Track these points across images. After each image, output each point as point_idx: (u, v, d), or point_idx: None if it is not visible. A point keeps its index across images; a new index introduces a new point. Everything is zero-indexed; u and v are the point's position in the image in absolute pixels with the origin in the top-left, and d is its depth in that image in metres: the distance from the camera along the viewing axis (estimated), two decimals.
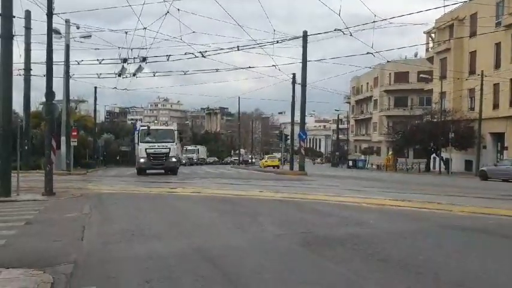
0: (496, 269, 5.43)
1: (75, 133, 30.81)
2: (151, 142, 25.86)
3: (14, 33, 13.99)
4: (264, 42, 21.58)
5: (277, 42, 21.18)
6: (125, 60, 21.49)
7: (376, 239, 7.01)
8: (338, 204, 12.04)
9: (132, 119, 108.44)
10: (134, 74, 23.79)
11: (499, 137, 35.64)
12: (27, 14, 25.29)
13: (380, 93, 63.21)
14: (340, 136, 74.14)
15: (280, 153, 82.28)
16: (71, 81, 30.56)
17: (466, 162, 38.77)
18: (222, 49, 21.10)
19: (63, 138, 28.89)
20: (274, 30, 45.17)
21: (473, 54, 38.76)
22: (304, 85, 31.07)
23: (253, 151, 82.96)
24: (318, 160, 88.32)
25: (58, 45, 26.27)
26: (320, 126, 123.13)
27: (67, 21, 27.41)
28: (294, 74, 35.10)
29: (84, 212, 10.50)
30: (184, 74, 24.16)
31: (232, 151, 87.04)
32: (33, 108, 35.47)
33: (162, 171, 26.65)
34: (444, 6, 20.21)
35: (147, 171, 26.55)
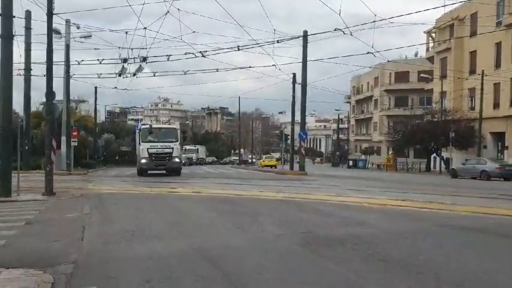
0: (496, 269, 5.43)
1: (75, 133, 30.81)
2: (153, 142, 24.78)
3: (14, 33, 14.00)
4: (264, 42, 21.53)
5: (278, 42, 21.19)
6: (125, 60, 21.48)
7: (376, 239, 7.01)
8: (338, 204, 12.05)
9: (132, 119, 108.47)
10: (134, 74, 23.77)
11: (499, 137, 35.63)
12: (28, 14, 25.31)
13: (380, 93, 63.19)
14: (340, 136, 74.13)
15: (278, 153, 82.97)
16: (71, 81, 30.63)
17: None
18: (222, 49, 21.13)
19: (63, 138, 28.90)
20: (275, 30, 45.10)
21: (473, 54, 38.74)
22: (304, 85, 31.07)
23: (253, 151, 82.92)
24: (317, 160, 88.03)
25: (58, 45, 26.31)
26: (320, 126, 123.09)
27: (67, 21, 27.42)
28: (294, 74, 35.12)
29: (85, 212, 10.50)
30: (185, 73, 24.10)
31: (232, 151, 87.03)
32: (33, 108, 35.56)
33: (164, 172, 25.55)
34: (444, 6, 20.23)
35: (148, 172, 25.47)
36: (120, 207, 11.67)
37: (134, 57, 21.55)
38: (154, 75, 49.93)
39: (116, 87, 29.89)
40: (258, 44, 21.52)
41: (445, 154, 38.94)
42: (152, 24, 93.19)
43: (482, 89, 34.03)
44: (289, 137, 40.29)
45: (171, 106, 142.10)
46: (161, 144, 24.70)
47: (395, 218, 9.55)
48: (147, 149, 24.42)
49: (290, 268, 5.44)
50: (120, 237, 7.32)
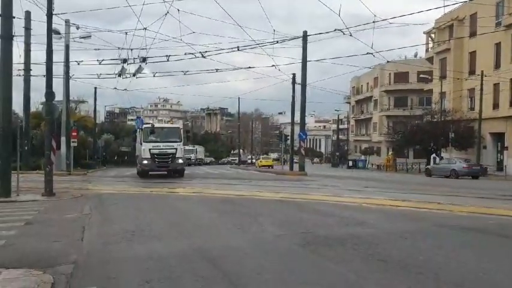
0: (496, 269, 5.44)
1: (75, 133, 30.77)
2: (155, 142, 23.56)
3: (14, 34, 14.00)
4: (264, 42, 21.52)
5: (277, 42, 21.14)
6: (124, 61, 21.44)
7: (376, 239, 7.01)
8: (338, 204, 12.05)
9: (132, 119, 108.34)
10: (134, 75, 23.70)
11: (499, 137, 35.65)
12: (27, 15, 25.28)
13: (380, 93, 63.21)
14: (340, 136, 74.14)
15: (275, 154, 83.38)
16: (70, 81, 30.58)
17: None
18: (222, 49, 21.08)
19: (63, 139, 28.89)
20: (274, 31, 45.14)
21: (473, 54, 38.76)
22: (304, 85, 31.09)
23: (253, 151, 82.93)
24: (316, 160, 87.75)
25: (58, 46, 26.31)
26: (320, 126, 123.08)
27: (67, 21, 27.41)
28: (294, 74, 35.12)
29: (84, 212, 10.51)
30: (184, 74, 24.03)
31: (232, 151, 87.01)
32: (33, 109, 35.54)
33: (165, 172, 24.49)
34: (444, 7, 20.19)
35: (150, 173, 24.32)
36: (120, 208, 11.67)
37: (134, 58, 21.53)
38: (154, 76, 49.96)
39: (115, 88, 29.91)
40: (257, 44, 21.50)
41: (444, 154, 38.94)
42: (152, 24, 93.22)
43: (481, 89, 34.04)
44: (289, 137, 40.30)
45: (171, 106, 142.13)
46: (164, 144, 23.57)
47: (395, 218, 9.56)
48: (149, 149, 23.28)
49: (290, 268, 5.44)
50: (120, 237, 7.32)
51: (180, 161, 24.13)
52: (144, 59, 21.14)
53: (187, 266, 5.45)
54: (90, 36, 24.71)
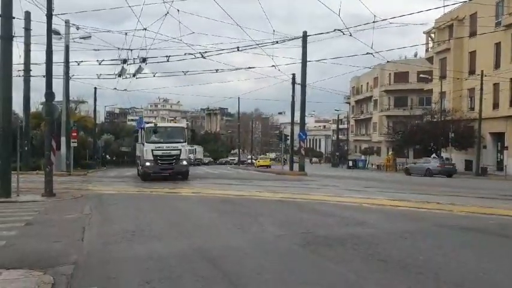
0: (496, 269, 5.44)
1: (75, 134, 30.74)
2: (158, 142, 22.01)
3: (13, 34, 14.01)
4: (264, 42, 21.54)
5: (277, 42, 21.13)
6: (124, 61, 21.45)
7: (376, 239, 7.02)
8: (338, 204, 12.06)
9: (132, 120, 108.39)
10: (134, 75, 23.70)
11: (499, 137, 35.64)
12: (27, 15, 25.28)
13: (380, 93, 63.20)
14: (340, 136, 74.13)
15: (273, 154, 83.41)
16: (70, 81, 30.56)
17: (466, 162, 38.77)
18: (222, 50, 21.08)
19: (63, 139, 28.89)
20: (274, 31, 45.13)
21: (473, 54, 38.76)
22: (304, 85, 31.08)
23: (252, 151, 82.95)
24: (314, 160, 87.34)
25: (58, 46, 26.33)
26: (320, 126, 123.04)
27: (67, 22, 27.41)
28: (293, 74, 35.12)
29: (85, 212, 10.51)
30: (184, 74, 24.00)
31: (232, 151, 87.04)
32: (33, 109, 35.52)
33: (168, 174, 22.52)
34: (444, 6, 20.19)
35: (153, 176, 22.23)
36: (120, 208, 11.68)
37: (134, 58, 21.54)
38: (154, 76, 49.94)
39: (115, 88, 29.94)
40: (257, 44, 21.50)
41: (444, 154, 38.93)
42: (152, 25, 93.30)
43: (481, 89, 34.04)
44: (289, 137, 40.30)
45: (171, 107, 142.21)
46: (167, 145, 22.06)
47: (395, 218, 9.56)
48: (152, 150, 21.69)
49: (290, 268, 5.45)
50: (120, 237, 7.33)
51: (185, 162, 22.70)
52: (144, 60, 21.14)
53: (188, 266, 5.45)
54: (90, 36, 24.72)
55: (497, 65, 35.32)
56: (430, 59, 46.68)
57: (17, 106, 32.67)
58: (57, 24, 25.50)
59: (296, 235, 7.41)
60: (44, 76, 15.51)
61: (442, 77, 40.65)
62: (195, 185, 19.83)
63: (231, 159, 76.08)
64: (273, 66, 26.60)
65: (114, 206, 12.13)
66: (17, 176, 14.25)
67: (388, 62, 36.58)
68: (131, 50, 26.07)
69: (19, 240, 7.16)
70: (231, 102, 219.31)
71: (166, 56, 20.49)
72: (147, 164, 21.79)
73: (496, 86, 34.91)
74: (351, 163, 57.05)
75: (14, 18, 13.81)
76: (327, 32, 34.33)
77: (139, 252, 6.26)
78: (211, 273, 5.19)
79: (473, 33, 36.91)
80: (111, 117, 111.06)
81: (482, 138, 35.41)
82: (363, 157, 60.54)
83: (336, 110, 72.45)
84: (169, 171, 22.21)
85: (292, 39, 24.50)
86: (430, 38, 46.58)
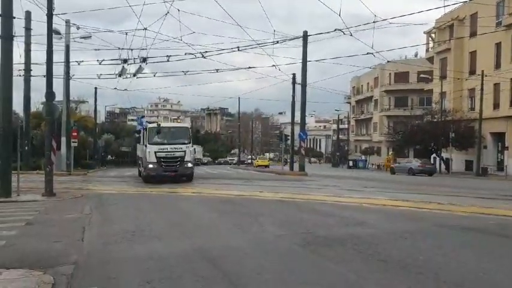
0: (496, 269, 5.44)
1: (75, 134, 30.77)
2: (161, 144, 20.88)
3: (14, 34, 14.01)
4: (264, 42, 21.54)
5: (277, 42, 21.15)
6: (125, 61, 21.46)
7: (376, 240, 7.02)
8: (338, 204, 12.06)
9: (132, 120, 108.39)
10: (134, 75, 23.72)
11: (499, 137, 35.64)
12: (27, 15, 25.32)
13: (380, 93, 63.19)
14: (340, 136, 74.13)
15: (271, 154, 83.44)
16: (71, 81, 30.63)
17: (466, 162, 38.77)
18: (222, 49, 21.09)
19: (63, 139, 28.91)
20: (275, 31, 45.35)
21: (473, 54, 38.75)
22: (304, 85, 31.07)
23: (253, 151, 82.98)
24: (313, 160, 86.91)
25: (58, 46, 26.34)
26: (320, 126, 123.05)
27: (67, 21, 27.44)
28: (294, 74, 35.12)
29: (85, 212, 10.52)
30: (185, 74, 24.02)
31: (232, 150, 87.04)
32: (33, 109, 35.59)
33: (173, 175, 21.12)
34: (444, 6, 20.19)
35: (157, 178, 20.85)
36: (120, 208, 11.68)
37: (134, 58, 21.57)
38: (154, 76, 49.96)
39: (115, 88, 29.95)
40: (258, 44, 21.51)
41: (445, 154, 38.94)
42: (152, 24, 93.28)
43: (482, 89, 34.04)
44: (289, 137, 40.29)
45: (171, 106, 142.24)
46: (171, 146, 20.92)
47: (395, 218, 9.56)
48: (155, 152, 20.54)
49: (290, 268, 5.45)
50: (121, 237, 7.33)
51: (189, 164, 21.43)
52: (144, 59, 21.17)
53: (188, 266, 5.45)
54: (90, 36, 24.73)
55: (497, 65, 35.31)
56: (430, 59, 46.68)
57: (18, 106, 32.72)
58: (58, 24, 25.56)
59: (296, 235, 7.41)
60: (44, 76, 15.53)
61: (443, 77, 40.64)
62: (195, 185, 19.82)
63: (230, 159, 76.07)
64: (274, 66, 26.65)
65: (114, 206, 12.13)
66: (17, 176, 14.26)
67: (388, 62, 36.60)
68: (131, 49, 26.15)
69: (19, 240, 7.16)
70: (231, 102, 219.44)
71: (167, 56, 20.54)
72: (150, 166, 20.64)
73: (496, 86, 34.91)
74: (351, 163, 57.08)
75: (14, 17, 13.83)
76: (328, 32, 34.36)
77: (140, 252, 6.26)
78: (212, 273, 5.19)
79: (473, 33, 36.90)
80: (111, 117, 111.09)
81: (483, 139, 35.41)
82: (363, 157, 60.55)
83: (336, 110, 72.43)
84: (173, 173, 21.00)
85: (293, 39, 24.54)
86: (430, 38, 46.58)
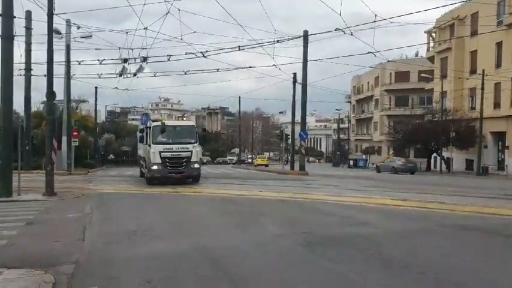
0: (497, 269, 5.43)
1: (76, 133, 30.79)
2: (166, 143, 19.73)
3: (14, 33, 14.01)
4: (265, 42, 21.50)
5: (278, 41, 21.12)
6: (125, 60, 21.46)
7: (377, 239, 7.01)
8: (339, 204, 12.05)
9: (133, 119, 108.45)
10: (135, 74, 23.72)
11: (500, 136, 35.60)
12: (28, 14, 25.27)
13: (381, 93, 63.16)
14: (341, 136, 74.09)
15: (270, 153, 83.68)
16: (71, 81, 30.63)
17: (467, 162, 38.74)
18: (223, 49, 21.10)
19: (64, 138, 28.91)
20: (275, 30, 45.31)
21: (474, 54, 38.70)
22: (304, 84, 31.04)
23: (253, 151, 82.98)
24: (311, 159, 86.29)
25: (59, 46, 26.33)
26: (321, 125, 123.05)
27: (68, 21, 27.43)
28: (294, 74, 35.06)
29: (86, 212, 10.52)
30: (185, 73, 24.01)
31: (231, 150, 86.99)
32: (34, 109, 35.61)
33: (179, 177, 19.83)
34: (445, 6, 20.15)
35: (162, 180, 19.51)
36: (121, 207, 11.68)
37: (135, 57, 21.55)
38: (154, 75, 49.94)
39: (116, 87, 29.88)
40: (258, 44, 21.50)
41: (445, 154, 38.92)
42: (153, 24, 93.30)
43: (482, 88, 33.99)
44: (290, 136, 40.28)
45: (172, 106, 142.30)
46: (177, 146, 19.72)
47: (396, 217, 9.55)
48: (160, 152, 19.35)
49: (291, 268, 5.44)
50: (121, 237, 7.33)
51: (196, 165, 20.24)
52: (144, 59, 21.16)
53: (189, 266, 5.45)
54: (91, 36, 24.71)
55: (498, 65, 35.27)
56: (431, 59, 46.64)
57: (18, 105, 32.67)
58: (58, 23, 25.48)
59: (297, 235, 7.40)
60: (45, 75, 15.52)
61: (443, 76, 40.60)
62: (196, 184, 19.82)
63: (229, 159, 75.99)
64: (274, 65, 26.60)
65: (115, 205, 12.13)
66: (18, 175, 14.25)
67: (389, 61, 36.52)
68: (132, 49, 26.18)
69: (20, 240, 7.16)
70: (232, 101, 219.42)
71: (167, 56, 20.53)
72: (155, 167, 19.43)
73: (497, 85, 34.85)
74: (351, 162, 57.05)
75: (15, 17, 13.82)
76: (328, 32, 34.34)
77: (140, 251, 6.26)
78: (213, 273, 5.19)
79: (474, 33, 36.84)
80: (112, 116, 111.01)
81: (483, 138, 35.37)
82: (363, 156, 60.51)
83: (336, 109, 72.39)
84: (179, 175, 19.79)
85: (294, 39, 24.54)
86: (431, 38, 46.52)
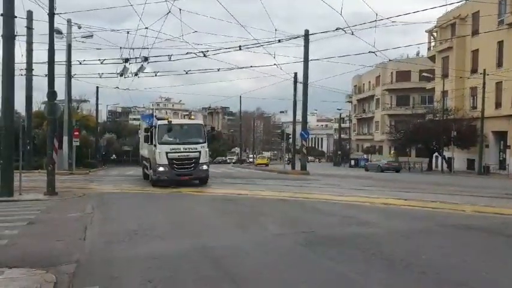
0: (498, 269, 5.42)
1: (77, 133, 30.83)
2: (173, 143, 18.49)
3: (16, 33, 14.03)
4: (266, 41, 21.48)
5: (279, 41, 21.08)
6: (126, 60, 21.46)
7: (378, 239, 7.00)
8: (340, 203, 12.04)
9: (135, 119, 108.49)
10: (136, 74, 23.72)
11: (501, 136, 35.56)
12: (29, 14, 25.30)
13: (382, 92, 63.13)
14: (342, 135, 74.06)
15: (269, 152, 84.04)
16: (72, 81, 30.66)
17: (468, 161, 38.70)
18: (223, 48, 21.07)
19: (65, 138, 28.96)
20: (276, 30, 45.32)
21: (475, 53, 38.65)
22: (305, 84, 31.01)
23: (254, 150, 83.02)
24: (310, 159, 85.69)
25: (60, 45, 26.37)
26: (322, 125, 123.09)
27: (69, 21, 27.48)
28: (295, 73, 35.06)
29: (87, 211, 10.53)
30: (186, 73, 24.00)
31: (232, 149, 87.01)
32: (35, 108, 35.67)
33: (185, 181, 18.51)
34: (446, 5, 20.11)
35: (168, 182, 18.21)
36: (122, 207, 11.69)
37: (136, 57, 21.55)
38: (155, 75, 49.88)
39: (117, 87, 29.94)
40: (259, 43, 21.46)
41: (447, 153, 38.88)
42: (153, 24, 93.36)
43: (484, 88, 33.94)
44: (291, 136, 40.27)
45: (173, 106, 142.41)
46: (184, 146, 18.49)
47: (397, 217, 9.54)
48: (166, 153, 18.10)
49: (292, 268, 5.44)
50: (122, 236, 7.33)
51: (205, 167, 19.06)
52: (146, 58, 21.16)
53: (190, 266, 5.45)
54: (92, 35, 24.72)
55: (499, 64, 35.22)
56: (432, 58, 46.59)
57: (19, 105, 32.78)
58: (59, 23, 25.46)
59: (298, 234, 7.40)
60: (46, 75, 15.54)
61: (444, 75, 40.57)
62: (197, 184, 19.82)
63: (229, 158, 75.89)
64: (275, 65, 26.57)
65: (116, 205, 12.14)
66: (19, 175, 14.28)
67: (390, 60, 36.49)
68: (133, 49, 26.25)
69: (21, 239, 7.17)
70: (233, 101, 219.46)
71: (168, 55, 20.51)
72: (161, 169, 18.15)
73: (498, 84, 34.81)
74: (352, 162, 57.04)
75: (16, 17, 13.84)
76: (329, 31, 34.29)
77: (142, 251, 6.26)
78: (213, 273, 5.19)
79: (475, 32, 36.81)
80: (113, 116, 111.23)
81: (485, 137, 35.33)
82: (365, 156, 60.49)
83: (338, 109, 72.38)
84: (187, 176, 18.61)
85: (295, 38, 24.43)
86: (432, 37, 46.46)
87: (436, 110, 41.70)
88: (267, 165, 53.28)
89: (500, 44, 35.04)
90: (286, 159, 48.20)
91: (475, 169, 35.59)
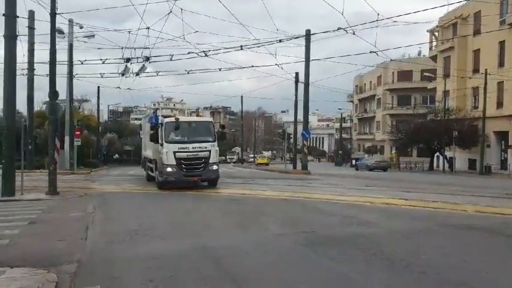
0: (499, 269, 5.42)
1: (78, 133, 30.85)
2: (181, 142, 17.28)
3: (17, 33, 14.06)
4: (267, 41, 21.49)
5: (280, 41, 21.09)
6: (128, 60, 21.47)
7: (379, 239, 7.01)
8: (341, 203, 12.05)
9: (136, 118, 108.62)
10: (137, 74, 23.72)
11: (503, 136, 35.51)
12: (31, 14, 25.34)
13: (383, 92, 63.08)
14: (343, 135, 74.03)
15: (269, 152, 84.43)
16: (74, 80, 30.69)
17: (469, 161, 38.67)
18: (225, 48, 21.08)
19: (66, 138, 29.00)
20: (277, 30, 45.29)
21: (477, 53, 38.60)
22: (307, 84, 31.00)
23: (255, 150, 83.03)
24: (309, 158, 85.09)
25: (61, 45, 26.40)
26: (323, 125, 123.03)
27: (70, 21, 27.53)
28: (296, 73, 35.00)
29: (88, 211, 10.55)
30: (188, 73, 24.01)
31: (232, 149, 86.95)
32: (36, 108, 35.69)
33: (194, 182, 17.47)
34: (448, 5, 20.09)
35: (177, 184, 16.99)
36: (123, 207, 11.71)
37: (137, 57, 21.58)
38: (157, 75, 49.90)
39: (118, 87, 29.97)
40: (261, 43, 21.46)
41: (448, 153, 38.84)
42: (155, 24, 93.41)
43: (485, 88, 33.89)
44: (292, 136, 40.26)
45: (174, 105, 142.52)
46: (193, 145, 17.27)
47: (398, 217, 9.54)
48: (174, 152, 16.88)
49: (292, 267, 5.45)
50: (124, 236, 7.35)
51: (215, 167, 17.93)
52: (147, 58, 21.18)
53: (190, 265, 5.46)
54: (93, 35, 24.76)
55: (501, 64, 35.16)
56: (433, 58, 46.53)
57: (21, 105, 32.83)
58: (61, 23, 25.48)
59: (299, 234, 7.41)
60: (47, 75, 15.56)
61: (446, 75, 40.53)
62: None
63: (229, 158, 75.77)
64: (276, 64, 26.58)
65: (117, 204, 12.17)
66: (21, 175, 14.30)
67: (391, 60, 36.45)
68: (135, 48, 26.27)
69: (23, 239, 7.19)
70: (234, 101, 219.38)
71: (170, 55, 20.53)
72: (169, 169, 16.94)
73: (500, 84, 34.76)
74: (354, 162, 57.00)
75: (18, 17, 13.87)
76: (330, 31, 34.23)
77: (143, 251, 6.28)
78: (214, 273, 5.20)
79: (477, 32, 36.77)
80: (114, 115, 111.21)
81: (486, 137, 35.28)
82: (366, 156, 60.45)
83: (339, 108, 72.37)
84: (196, 177, 17.51)
85: (296, 38, 24.44)
86: (434, 37, 46.41)
87: (438, 110, 41.66)
88: (267, 164, 53.75)
89: (502, 44, 34.99)
90: (288, 158, 48.21)
91: (477, 169, 35.55)
